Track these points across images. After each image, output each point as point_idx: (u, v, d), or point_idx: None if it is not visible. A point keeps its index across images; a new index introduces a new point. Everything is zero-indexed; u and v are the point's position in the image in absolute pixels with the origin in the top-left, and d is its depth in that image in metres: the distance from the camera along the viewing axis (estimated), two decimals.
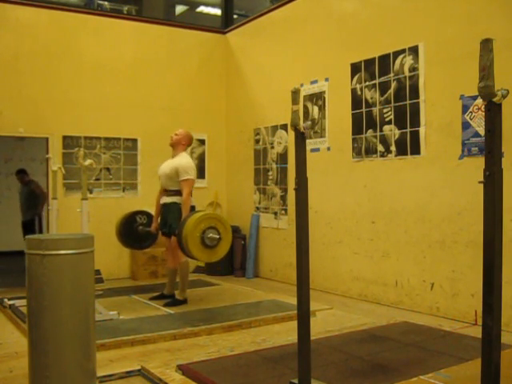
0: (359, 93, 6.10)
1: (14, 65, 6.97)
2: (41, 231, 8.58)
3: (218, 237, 4.97)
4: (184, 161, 5.63)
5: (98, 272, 6.38)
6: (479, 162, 3.91)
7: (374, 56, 5.90)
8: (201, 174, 8.35)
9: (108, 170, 7.57)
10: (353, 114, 6.19)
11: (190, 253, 4.95)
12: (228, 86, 8.48)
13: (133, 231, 6.06)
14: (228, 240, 5.12)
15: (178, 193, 5.57)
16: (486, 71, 2.19)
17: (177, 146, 5.76)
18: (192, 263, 6.60)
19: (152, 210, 6.06)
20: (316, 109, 6.76)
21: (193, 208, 5.69)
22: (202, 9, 10.13)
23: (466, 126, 4.96)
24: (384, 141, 5.81)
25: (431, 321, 4.98)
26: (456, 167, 5.07)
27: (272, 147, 7.55)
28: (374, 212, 5.95)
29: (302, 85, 6.86)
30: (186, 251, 4.99)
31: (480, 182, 2.28)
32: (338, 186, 6.42)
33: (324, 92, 6.63)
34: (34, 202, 8.46)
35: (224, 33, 8.53)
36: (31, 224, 8.46)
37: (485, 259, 2.28)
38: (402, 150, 5.61)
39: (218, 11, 9.20)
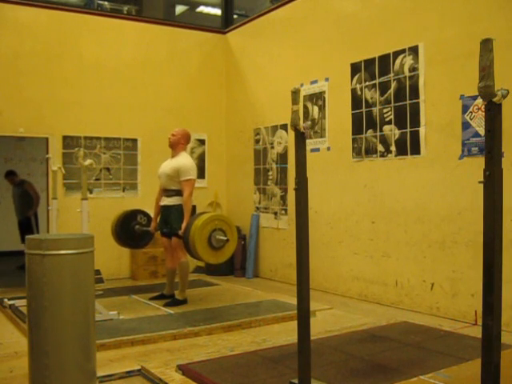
0: (359, 93, 6.10)
1: (14, 65, 6.97)
2: (38, 229, 8.57)
3: (225, 238, 4.97)
4: (185, 161, 5.60)
5: (98, 272, 6.38)
6: (479, 162, 3.92)
7: (374, 56, 5.90)
8: (201, 173, 8.35)
9: (108, 169, 7.57)
10: (353, 113, 6.19)
11: (196, 254, 4.95)
12: (228, 85, 8.48)
13: (129, 230, 6.05)
14: (234, 241, 5.13)
15: (178, 193, 5.56)
16: (486, 71, 2.19)
17: (176, 146, 5.72)
18: (192, 263, 6.60)
19: (151, 211, 6.05)
20: (316, 109, 6.76)
21: (193, 208, 5.69)
22: (202, 9, 10.13)
23: (465, 126, 4.96)
24: (384, 141, 5.81)
25: (431, 321, 4.99)
26: (456, 167, 5.07)
27: (272, 147, 7.55)
28: (373, 212, 5.95)
29: (302, 85, 6.86)
30: (193, 253, 4.98)
31: (480, 182, 2.29)
32: (338, 186, 6.42)
33: (324, 92, 6.63)
34: (28, 202, 8.42)
35: (224, 33, 8.53)
36: (28, 223, 8.45)
37: (485, 259, 2.28)
38: (401, 150, 5.61)
39: (218, 11, 9.20)
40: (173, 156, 5.75)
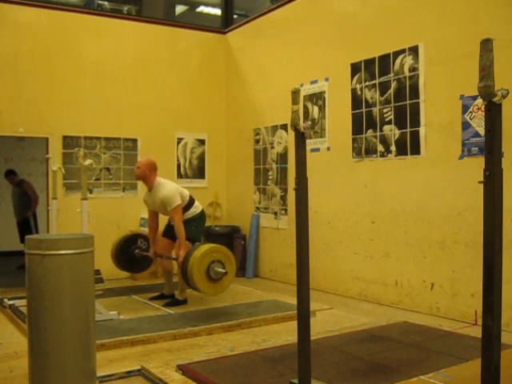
0: (359, 93, 6.10)
1: (14, 65, 6.97)
2: (37, 230, 8.56)
3: (223, 271, 4.94)
4: (165, 191, 5.42)
5: (97, 272, 6.36)
6: (479, 162, 3.91)
7: (374, 56, 5.90)
8: (201, 173, 8.36)
9: (108, 169, 7.57)
10: (353, 114, 6.19)
11: (194, 285, 4.93)
12: (228, 86, 8.48)
13: (129, 254, 6.03)
14: (232, 272, 5.08)
15: (183, 210, 5.57)
16: (486, 71, 2.19)
17: (143, 177, 5.53)
18: None
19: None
20: (316, 109, 6.76)
21: (202, 212, 5.74)
22: (202, 9, 10.13)
23: (465, 126, 4.96)
24: (384, 141, 5.81)
25: (431, 321, 4.99)
26: (456, 167, 5.07)
27: (272, 147, 7.55)
28: (374, 212, 5.95)
29: (302, 85, 6.86)
30: (191, 284, 4.98)
31: (480, 182, 2.29)
32: (338, 186, 6.42)
33: (324, 92, 6.63)
34: (26, 203, 8.41)
35: (224, 33, 8.53)
36: (26, 224, 8.44)
37: (485, 259, 2.28)
38: (401, 150, 5.61)
39: (218, 11, 9.20)
40: (149, 189, 5.59)
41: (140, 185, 7.69)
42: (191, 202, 5.70)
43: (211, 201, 8.32)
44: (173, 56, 8.07)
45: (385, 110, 5.78)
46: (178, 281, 5.71)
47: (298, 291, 3.04)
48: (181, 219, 5.41)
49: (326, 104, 6.61)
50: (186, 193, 5.68)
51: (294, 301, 3.64)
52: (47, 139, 7.20)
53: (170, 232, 5.71)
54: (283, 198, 7.33)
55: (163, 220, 5.85)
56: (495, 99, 2.21)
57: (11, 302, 5.48)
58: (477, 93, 2.31)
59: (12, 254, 9.07)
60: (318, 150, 6.71)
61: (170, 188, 5.48)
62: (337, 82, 6.44)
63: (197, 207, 5.73)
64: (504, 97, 2.22)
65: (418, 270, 5.45)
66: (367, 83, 6.00)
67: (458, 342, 4.23)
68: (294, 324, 3.22)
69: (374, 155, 5.93)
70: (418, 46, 5.42)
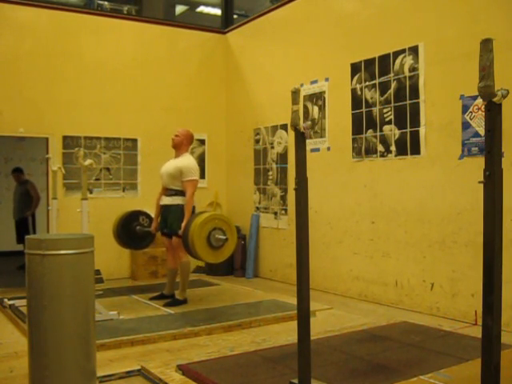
0: (359, 93, 6.10)
1: (14, 65, 6.97)
2: (34, 230, 8.57)
3: (224, 237, 4.94)
4: (188, 161, 5.64)
5: (98, 272, 6.38)
6: (479, 162, 3.91)
7: (374, 56, 5.90)
8: (201, 174, 8.33)
9: (108, 169, 7.57)
10: (353, 114, 6.19)
11: (195, 253, 4.93)
12: (228, 86, 8.48)
13: (131, 231, 6.06)
14: (233, 241, 5.10)
15: (179, 193, 5.57)
16: (486, 71, 2.19)
17: (179, 146, 5.75)
18: (192, 263, 6.60)
19: (152, 211, 6.06)
20: (316, 109, 6.76)
21: (193, 209, 5.69)
22: (202, 9, 10.14)
23: (465, 126, 4.96)
24: (384, 141, 5.81)
25: (431, 321, 4.99)
26: (456, 167, 5.07)
27: (272, 147, 7.55)
28: (373, 212, 5.95)
29: (302, 85, 6.86)
30: (192, 252, 4.96)
31: (480, 182, 2.29)
32: (338, 186, 6.42)
33: (324, 92, 6.63)
34: (27, 202, 8.42)
35: (224, 33, 8.53)
36: (24, 223, 8.44)
37: (485, 259, 2.28)
38: (401, 150, 5.61)
39: (218, 11, 9.20)
40: (176, 156, 5.77)
41: (140, 185, 7.72)
42: None
43: (211, 201, 8.32)
44: (173, 56, 8.07)
45: (385, 110, 5.78)
46: (178, 280, 5.72)
47: (298, 291, 3.04)
48: (193, 195, 5.49)
49: (326, 104, 6.61)
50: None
51: (294, 301, 3.65)
52: (47, 139, 7.20)
53: (165, 229, 5.72)
54: (283, 198, 7.33)
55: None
56: (495, 99, 2.21)
57: (11, 302, 5.48)
58: (477, 93, 2.31)
59: (12, 254, 9.07)
60: (318, 150, 6.71)
61: (194, 163, 5.70)
62: (337, 82, 6.44)
63: None
64: (504, 97, 2.22)
65: (417, 269, 5.45)
66: (367, 83, 6.00)
67: (458, 342, 4.23)
68: (294, 324, 3.22)
69: (374, 155, 5.93)
70: (417, 46, 5.42)
